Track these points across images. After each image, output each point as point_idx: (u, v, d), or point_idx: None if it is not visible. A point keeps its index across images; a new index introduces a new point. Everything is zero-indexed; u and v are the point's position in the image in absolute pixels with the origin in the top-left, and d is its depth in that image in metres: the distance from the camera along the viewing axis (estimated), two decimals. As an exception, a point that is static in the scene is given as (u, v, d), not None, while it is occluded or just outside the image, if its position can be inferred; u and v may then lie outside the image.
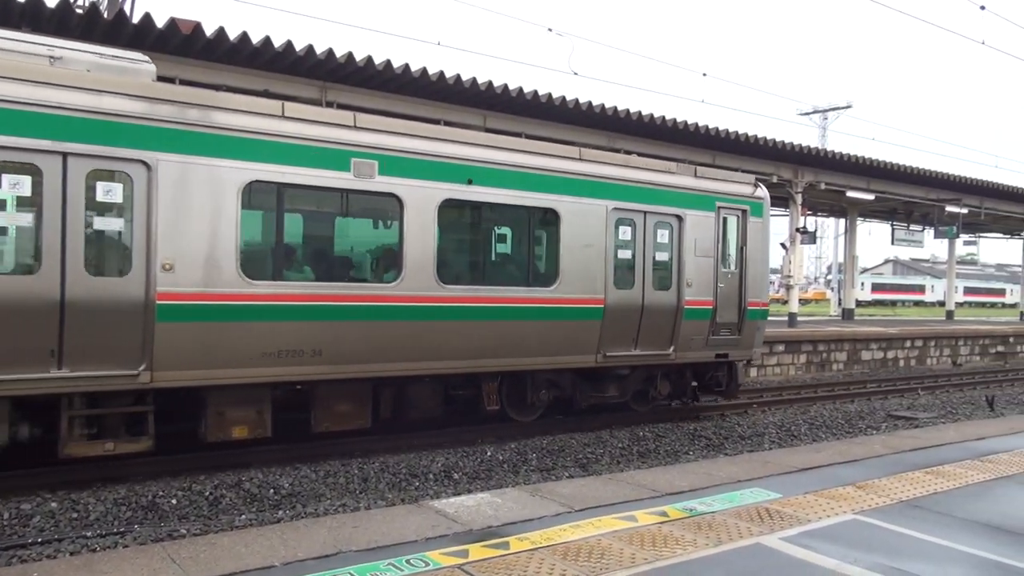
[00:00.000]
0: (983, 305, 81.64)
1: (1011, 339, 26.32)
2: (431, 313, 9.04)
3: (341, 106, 12.75)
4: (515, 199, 9.65)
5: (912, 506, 5.76)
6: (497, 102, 14.47)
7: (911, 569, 4.42)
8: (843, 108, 54.33)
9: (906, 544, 4.88)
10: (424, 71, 13.02)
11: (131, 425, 7.68)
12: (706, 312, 11.51)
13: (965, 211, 27.44)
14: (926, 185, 25.21)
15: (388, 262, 9.05)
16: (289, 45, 11.87)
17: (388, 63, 12.67)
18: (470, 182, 9.28)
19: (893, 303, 68.49)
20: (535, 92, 14.29)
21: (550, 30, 14.10)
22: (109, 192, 7.13)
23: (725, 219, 11.78)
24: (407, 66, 12.84)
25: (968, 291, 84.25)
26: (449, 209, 9.26)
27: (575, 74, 15.08)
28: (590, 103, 15.05)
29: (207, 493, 7.51)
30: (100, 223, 7.22)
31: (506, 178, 9.56)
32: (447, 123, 12.92)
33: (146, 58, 8.05)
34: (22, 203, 6.84)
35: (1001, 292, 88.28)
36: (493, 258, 10.42)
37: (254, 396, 8.30)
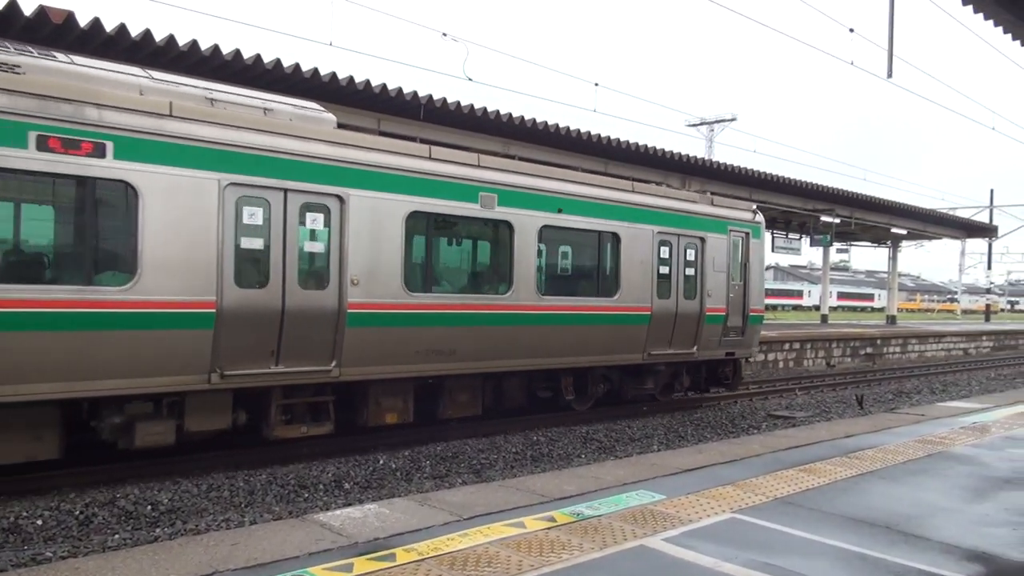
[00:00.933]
0: (854, 309, 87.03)
1: (879, 341, 28.12)
2: (533, 319, 11.10)
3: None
4: (590, 225, 11.94)
5: (786, 503, 6.04)
6: (391, 106, 14.32)
7: (782, 564, 4.64)
8: (728, 120, 56.71)
9: (779, 540, 5.12)
10: (316, 72, 12.75)
11: (315, 413, 9.44)
12: (720, 318, 13.96)
13: (838, 221, 29.14)
14: (803, 196, 26.62)
15: (502, 277, 10.97)
16: (171, 39, 11.37)
17: (278, 62, 12.34)
18: (560, 211, 11.43)
19: (774, 307, 71.95)
20: (430, 96, 14.24)
21: (445, 35, 14.08)
22: (315, 221, 8.85)
23: (735, 240, 14.27)
24: (297, 65, 12.54)
25: (841, 296, 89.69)
26: (546, 233, 11.33)
27: (470, 79, 15.18)
28: (485, 109, 15.11)
29: (77, 512, 7.07)
30: (309, 246, 8.92)
31: (585, 208, 11.84)
32: (340, 126, 12.68)
33: (322, 108, 9.88)
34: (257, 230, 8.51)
35: (870, 297, 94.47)
36: (574, 273, 12.46)
37: (403, 388, 10.17)
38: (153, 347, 7.78)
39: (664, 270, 12.92)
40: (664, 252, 12.93)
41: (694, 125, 58.22)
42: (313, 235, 8.92)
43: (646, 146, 18.87)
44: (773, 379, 20.20)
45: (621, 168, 19.39)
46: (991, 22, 8.81)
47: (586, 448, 10.88)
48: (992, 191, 45.59)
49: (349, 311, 9.06)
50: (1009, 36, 9.22)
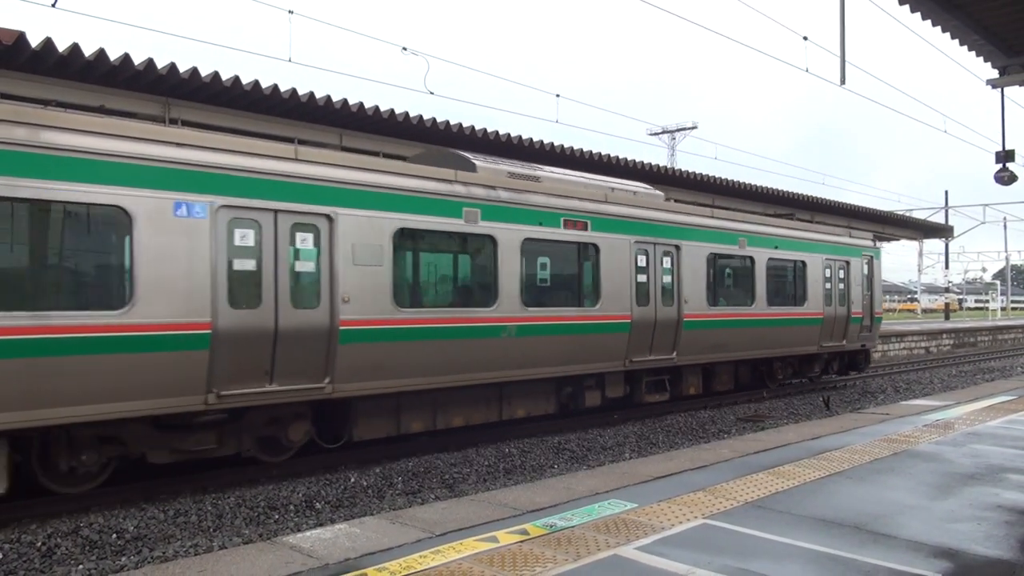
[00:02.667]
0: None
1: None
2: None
3: (186, 123, 12.17)
4: (795, 257, 16.52)
5: (756, 507, 6.09)
6: (353, 120, 14.26)
7: (754, 568, 4.67)
8: (689, 129, 57.41)
9: (750, 544, 5.15)
10: (276, 88, 12.66)
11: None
12: (859, 319, 18.81)
13: (800, 224, 29.55)
14: (764, 201, 27.00)
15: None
16: (127, 58, 11.21)
17: (236, 79, 12.22)
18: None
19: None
20: (392, 111, 14.21)
21: (405, 49, 14.07)
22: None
23: (865, 261, 19.16)
24: (257, 83, 12.43)
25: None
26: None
27: (431, 93, 15.20)
28: (448, 122, 15.12)
29: (39, 544, 6.88)
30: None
31: (789, 244, 15.99)
32: (301, 142, 12.60)
33: None
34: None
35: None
36: (774, 288, 15.87)
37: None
38: None
39: (827, 286, 17.70)
40: (827, 273, 17.78)
41: (656, 134, 58.88)
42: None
43: (610, 155, 19.01)
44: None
45: None
46: (929, 21, 9.05)
47: (558, 458, 10.87)
48: (947, 192, 46.71)
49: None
50: (948, 35, 9.47)
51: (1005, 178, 12.29)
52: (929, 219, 41.53)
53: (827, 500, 6.33)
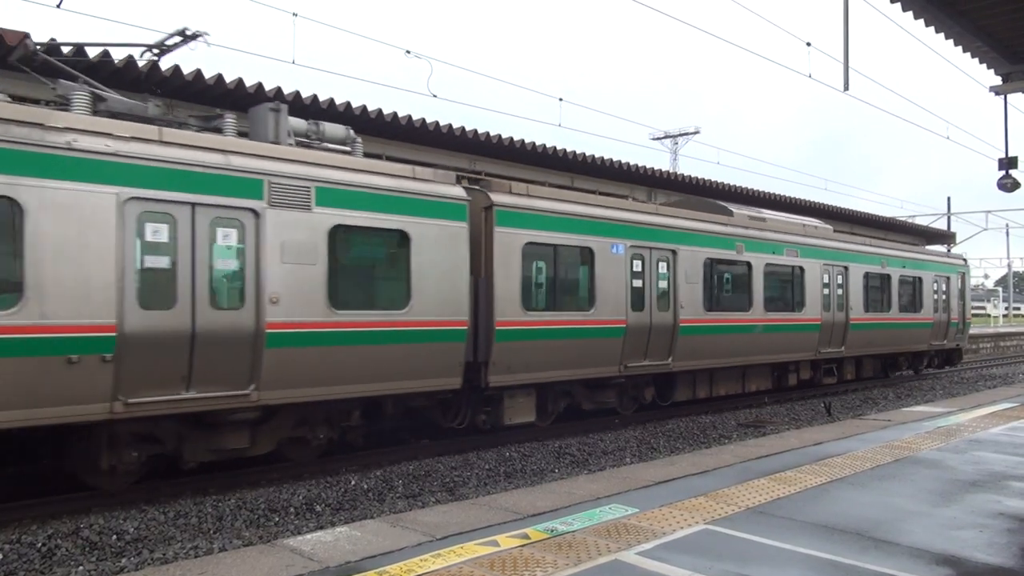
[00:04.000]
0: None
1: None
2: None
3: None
4: (914, 274, 21.55)
5: (758, 512, 6.08)
6: (358, 124, 14.24)
7: (756, 574, 4.66)
8: (692, 133, 57.46)
9: (752, 550, 5.14)
10: (279, 91, 12.66)
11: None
12: (956, 323, 23.71)
13: (802, 230, 29.51)
14: (767, 206, 26.95)
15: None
16: (131, 60, 11.22)
17: (240, 82, 12.24)
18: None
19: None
20: (395, 114, 14.22)
21: (408, 52, 14.07)
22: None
23: (958, 276, 24.04)
24: (260, 85, 12.45)
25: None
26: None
27: (434, 96, 15.25)
28: (451, 126, 15.13)
29: (39, 544, 6.88)
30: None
31: (901, 263, 21.03)
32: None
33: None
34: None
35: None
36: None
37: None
38: None
39: (935, 297, 22.33)
40: (935, 286, 22.41)
41: (658, 138, 58.91)
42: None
43: (611, 160, 19.02)
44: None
45: (587, 182, 19.51)
46: (932, 28, 9.05)
47: (559, 463, 10.85)
48: (949, 199, 46.64)
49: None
50: (951, 42, 9.47)
51: (1008, 185, 12.28)
52: (931, 225, 41.47)
53: (829, 506, 6.32)
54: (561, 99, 18.35)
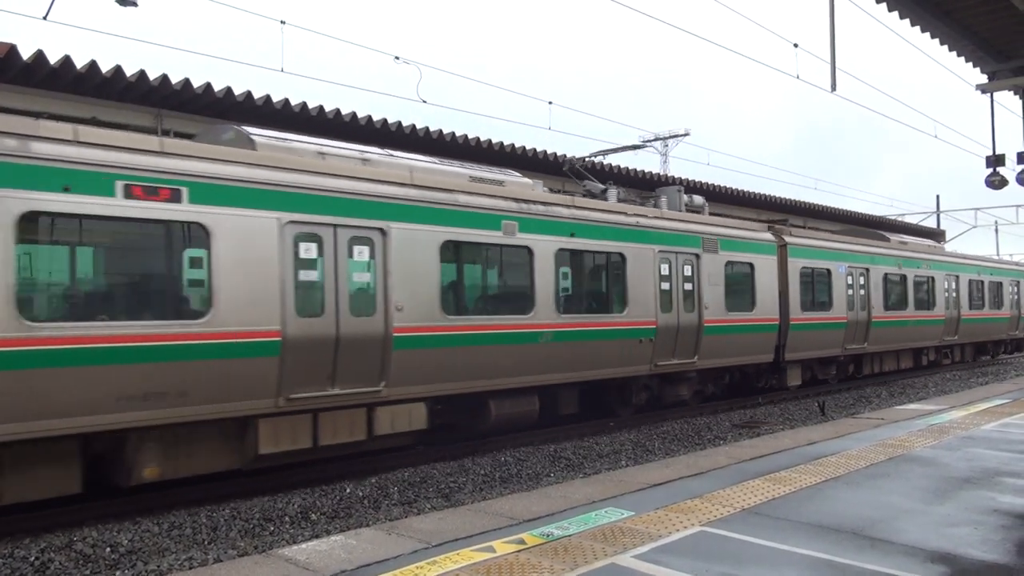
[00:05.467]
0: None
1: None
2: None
3: (178, 135, 12.16)
4: (996, 280, 27.91)
5: (753, 514, 6.08)
6: (347, 130, 14.26)
7: (752, 575, 4.66)
8: (682, 136, 57.51)
9: (748, 551, 5.15)
10: (268, 99, 12.66)
11: None
12: (1013, 318, 29.45)
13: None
14: (757, 207, 27.08)
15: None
16: (119, 70, 11.21)
17: (228, 90, 12.23)
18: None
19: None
20: (384, 120, 14.22)
21: (397, 58, 14.07)
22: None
23: (1018, 281, 29.92)
24: (249, 93, 12.45)
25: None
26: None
27: (424, 102, 15.23)
28: (440, 131, 15.14)
29: (32, 558, 6.83)
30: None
31: (983, 270, 27.30)
32: (294, 152, 12.58)
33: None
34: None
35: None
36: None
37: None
38: None
39: (1013, 297, 28.48)
40: (1012, 288, 28.86)
41: (649, 141, 58.96)
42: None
43: (602, 163, 19.05)
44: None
45: (577, 186, 19.52)
46: (919, 28, 9.11)
47: (555, 466, 10.84)
48: (938, 197, 46.88)
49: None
50: (937, 41, 9.54)
51: (996, 182, 12.36)
52: (921, 223, 41.67)
53: (824, 506, 6.33)
54: (551, 102, 18.38)
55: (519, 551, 5.13)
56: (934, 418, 11.49)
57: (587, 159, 17.02)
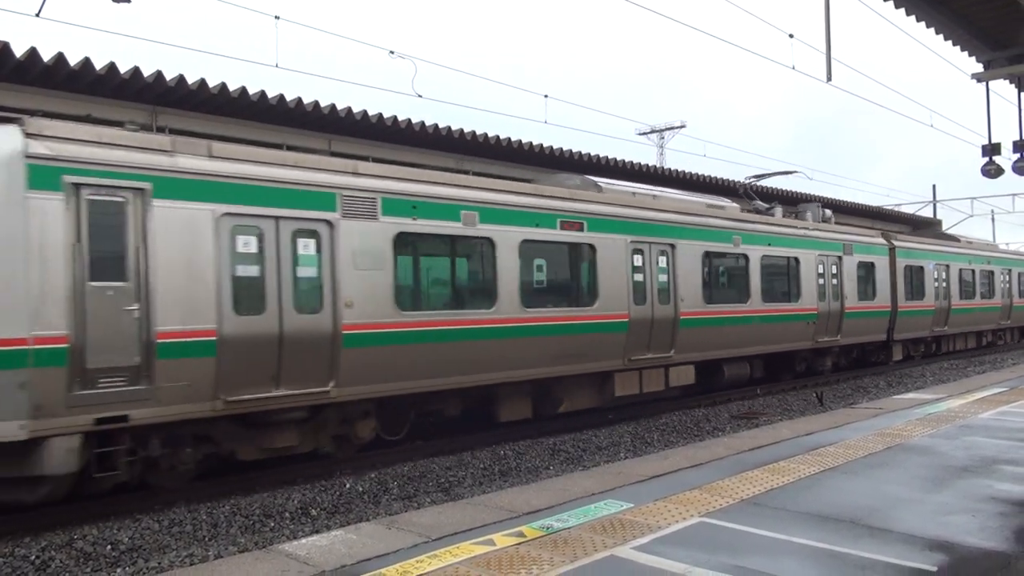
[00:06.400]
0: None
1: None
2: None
3: (173, 131, 12.13)
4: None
5: (752, 504, 6.10)
6: (342, 126, 14.24)
7: (752, 565, 4.67)
8: (678, 128, 57.44)
9: (747, 541, 5.16)
10: (263, 94, 12.62)
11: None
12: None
13: (789, 221, 29.68)
14: (753, 199, 27.04)
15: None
16: (113, 67, 11.17)
17: (223, 86, 12.19)
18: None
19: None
20: (380, 115, 14.19)
21: (392, 52, 14.04)
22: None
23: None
24: (244, 89, 12.40)
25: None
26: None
27: (419, 96, 15.25)
28: (436, 126, 15.11)
29: (33, 557, 6.83)
30: None
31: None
32: (290, 148, 12.58)
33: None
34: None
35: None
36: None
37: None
38: None
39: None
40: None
41: (645, 133, 58.86)
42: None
43: (598, 156, 19.04)
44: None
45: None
46: (914, 17, 9.10)
47: (554, 460, 10.85)
48: (934, 187, 46.89)
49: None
50: (932, 30, 9.53)
51: (992, 171, 12.37)
52: (918, 213, 41.70)
53: (822, 495, 6.35)
54: (547, 96, 18.38)
55: (519, 544, 5.14)
56: (932, 407, 11.52)
57: (747, 180, 22.08)
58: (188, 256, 8.12)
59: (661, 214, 13.81)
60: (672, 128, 55.18)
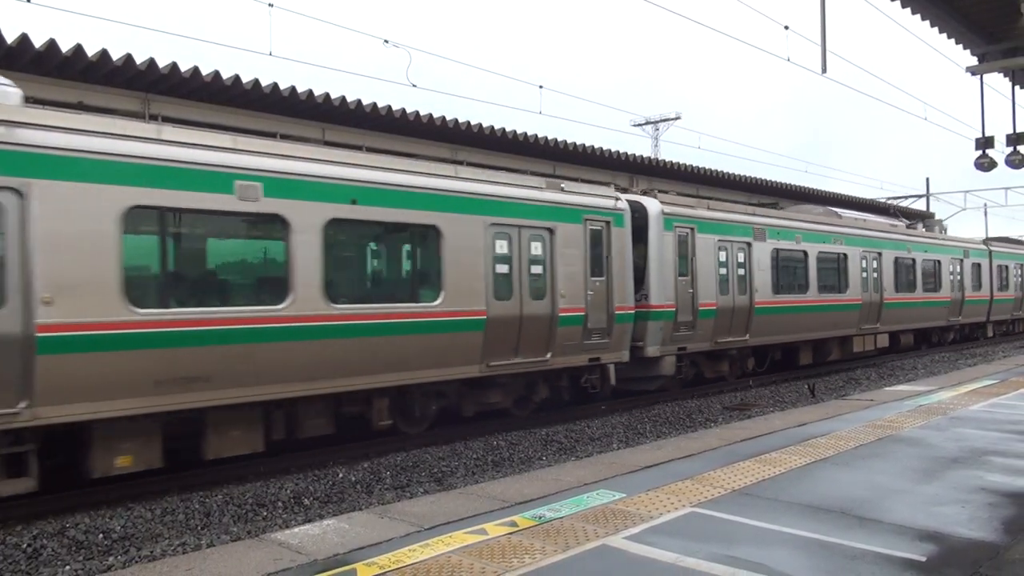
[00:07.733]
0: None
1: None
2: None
3: (166, 119, 12.06)
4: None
5: (743, 494, 6.13)
6: (336, 115, 14.18)
7: (742, 555, 4.70)
8: (673, 119, 57.40)
9: (738, 531, 5.19)
10: (256, 83, 12.55)
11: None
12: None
13: (784, 213, 29.73)
14: (748, 191, 27.09)
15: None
16: (105, 54, 11.08)
17: (217, 74, 12.11)
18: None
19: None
20: (374, 104, 14.13)
21: (386, 41, 13.98)
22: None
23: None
24: (238, 77, 12.33)
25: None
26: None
27: (414, 86, 15.18)
28: (431, 115, 15.06)
29: (24, 545, 6.82)
30: None
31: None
32: (283, 137, 12.53)
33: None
34: None
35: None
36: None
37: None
38: None
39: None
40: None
41: (639, 125, 58.78)
42: None
43: (592, 147, 19.01)
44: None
45: (568, 169, 19.49)
46: (909, 10, 9.08)
47: (547, 450, 10.88)
48: (928, 179, 47.10)
49: None
50: (927, 23, 9.52)
51: (985, 164, 12.40)
52: (911, 206, 41.80)
53: (813, 486, 6.38)
54: (542, 87, 18.33)
55: (511, 533, 5.15)
56: (923, 399, 11.58)
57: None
58: None
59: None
60: (667, 120, 55.14)
